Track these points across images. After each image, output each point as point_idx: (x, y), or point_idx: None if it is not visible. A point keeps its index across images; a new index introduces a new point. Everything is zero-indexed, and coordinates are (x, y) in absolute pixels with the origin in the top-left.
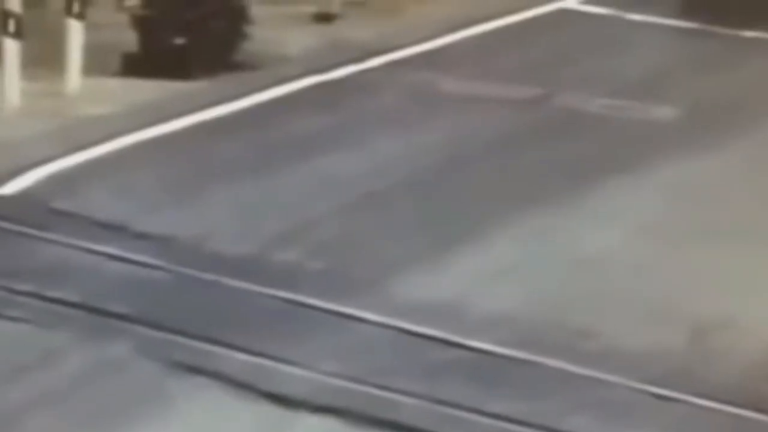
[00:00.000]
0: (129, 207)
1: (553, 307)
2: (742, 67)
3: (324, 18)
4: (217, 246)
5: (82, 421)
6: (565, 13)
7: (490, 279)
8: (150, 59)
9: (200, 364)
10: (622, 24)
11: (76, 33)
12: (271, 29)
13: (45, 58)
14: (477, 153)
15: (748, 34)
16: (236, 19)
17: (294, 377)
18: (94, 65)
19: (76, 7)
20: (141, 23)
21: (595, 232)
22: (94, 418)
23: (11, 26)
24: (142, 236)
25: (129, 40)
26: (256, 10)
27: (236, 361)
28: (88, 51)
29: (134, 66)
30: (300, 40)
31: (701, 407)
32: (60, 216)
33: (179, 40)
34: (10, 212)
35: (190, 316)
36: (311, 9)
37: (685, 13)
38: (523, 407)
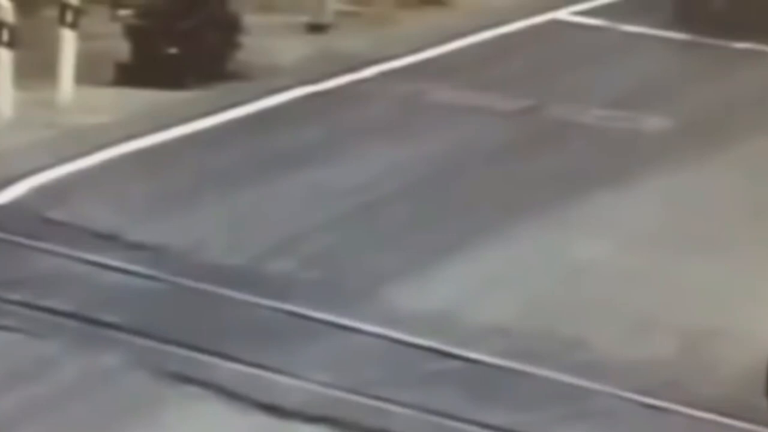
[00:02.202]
0: (122, 217)
1: (544, 317)
2: (734, 78)
3: (317, 28)
4: (210, 256)
5: (74, 431)
6: (557, 24)
7: (482, 289)
8: (143, 69)
9: (193, 374)
10: (615, 35)
11: (69, 42)
12: (264, 39)
13: (38, 67)
14: (469, 163)
15: (740, 45)
16: (229, 30)
17: (288, 387)
18: (87, 75)
19: (69, 17)
20: (134, 33)
21: (587, 243)
22: (87, 428)
23: (4, 36)
24: (135, 246)
25: (122, 49)
26: (249, 20)
27: (230, 371)
28: (81, 60)
29: (127, 76)
30: (293, 50)
31: (692, 417)
32: (53, 226)
33: (172, 50)
34: (3, 222)
35: (184, 326)
36: (305, 19)
37: (677, 24)
38: (515, 417)
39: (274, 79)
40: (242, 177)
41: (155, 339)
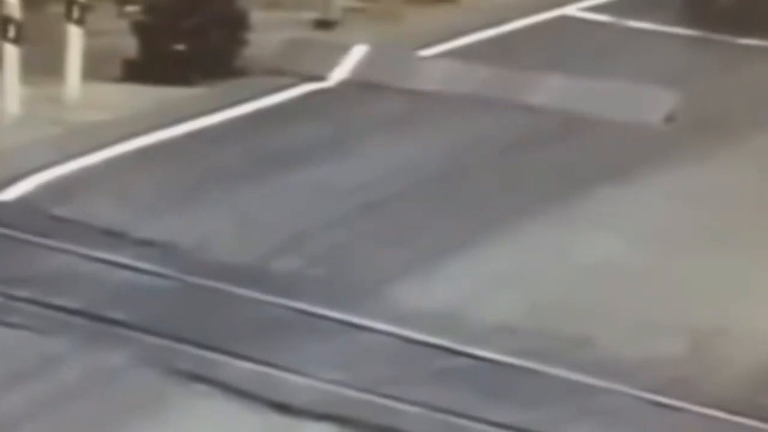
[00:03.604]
0: (129, 214)
1: (551, 314)
2: (741, 74)
3: (324, 24)
4: (217, 254)
5: (80, 429)
6: (565, 21)
7: (488, 287)
8: (150, 65)
9: (201, 372)
10: (622, 31)
11: (76, 39)
12: (271, 35)
13: (45, 63)
14: (475, 160)
15: (747, 41)
16: (236, 26)
17: (295, 385)
18: (93, 71)
19: (76, 13)
20: (141, 29)
21: (594, 240)
22: (94, 426)
23: (11, 32)
24: (142, 243)
25: (129, 46)
26: (256, 16)
27: (238, 369)
28: (87, 57)
29: (134, 72)
30: None
31: (699, 414)
32: (60, 222)
33: (179, 47)
34: (9, 219)
35: (191, 324)
36: (312, 15)
37: (684, 20)
38: (524, 415)
39: (281, 75)
40: (249, 174)
41: (163, 337)
